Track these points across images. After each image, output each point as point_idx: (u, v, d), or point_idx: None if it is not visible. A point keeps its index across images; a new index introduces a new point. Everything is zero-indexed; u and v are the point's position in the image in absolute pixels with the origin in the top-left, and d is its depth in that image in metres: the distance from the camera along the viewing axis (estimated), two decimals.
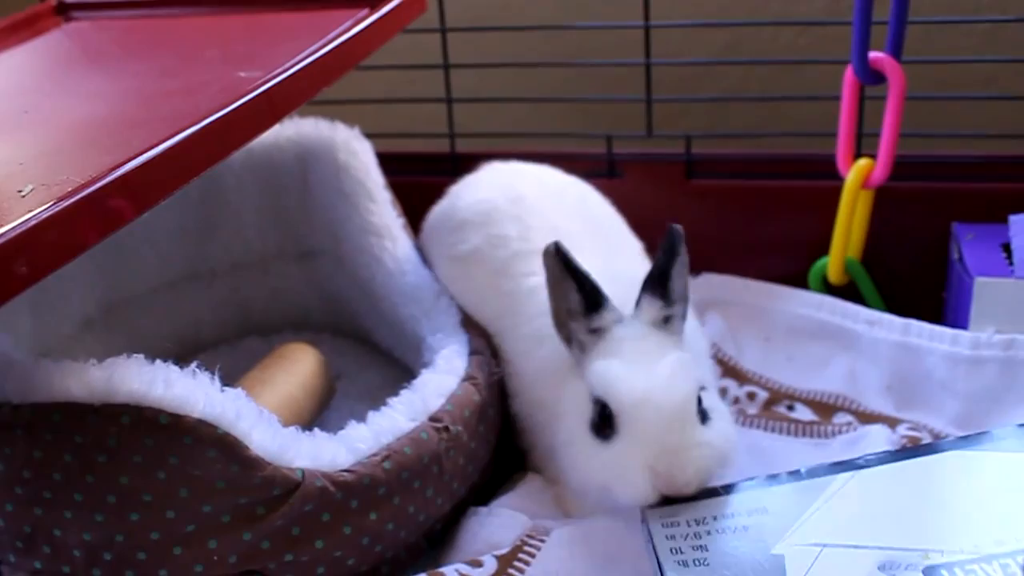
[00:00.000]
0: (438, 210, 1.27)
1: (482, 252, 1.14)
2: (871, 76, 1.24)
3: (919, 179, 1.34)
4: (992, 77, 1.48)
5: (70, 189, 0.69)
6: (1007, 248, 1.21)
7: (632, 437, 0.91)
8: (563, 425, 0.98)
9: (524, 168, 1.26)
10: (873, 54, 1.23)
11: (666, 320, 0.97)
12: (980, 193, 1.32)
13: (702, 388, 0.94)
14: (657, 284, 0.96)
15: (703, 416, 0.93)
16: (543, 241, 1.01)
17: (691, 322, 1.03)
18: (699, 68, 1.57)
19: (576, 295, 0.96)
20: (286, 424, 0.93)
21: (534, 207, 1.15)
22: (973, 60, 1.46)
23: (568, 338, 0.98)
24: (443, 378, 1.02)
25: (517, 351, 1.09)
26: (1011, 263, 1.18)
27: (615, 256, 1.11)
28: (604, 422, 0.92)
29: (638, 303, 0.97)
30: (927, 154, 1.36)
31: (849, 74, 1.25)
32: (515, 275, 1.10)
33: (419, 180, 1.45)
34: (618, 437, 0.91)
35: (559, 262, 0.95)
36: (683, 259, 0.97)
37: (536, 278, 1.05)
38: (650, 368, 0.92)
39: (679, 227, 0.96)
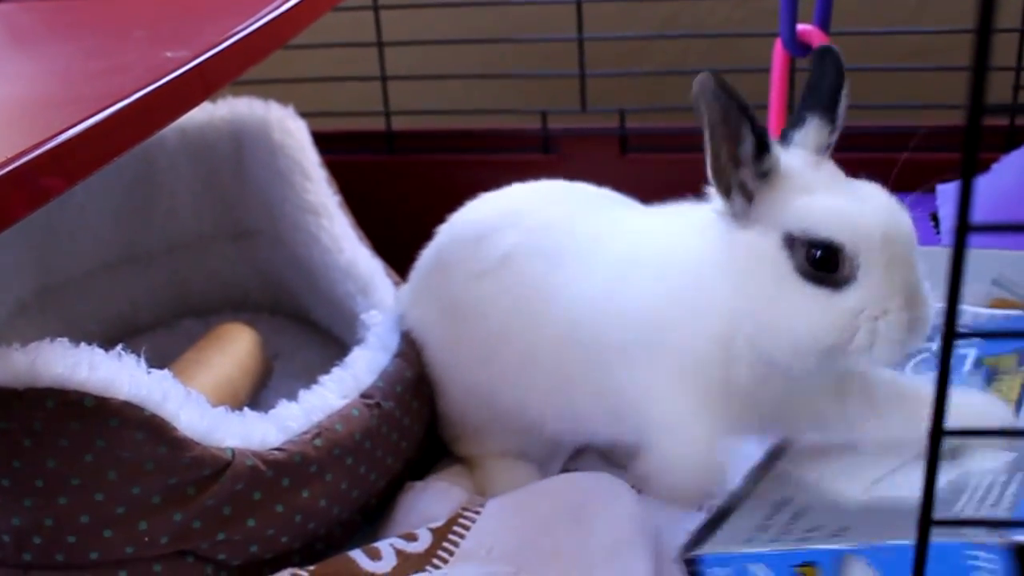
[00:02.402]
0: (435, 247, 1.09)
1: (521, 251, 0.99)
2: (800, 48, 1.25)
3: (848, 150, 1.33)
4: (920, 49, 1.49)
5: None
6: (935, 217, 1.23)
7: (881, 277, 0.80)
8: (741, 287, 0.85)
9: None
10: (801, 26, 1.23)
11: (828, 149, 0.87)
12: (909, 163, 1.33)
13: None
14: (828, 106, 0.86)
15: None
16: (591, 219, 0.97)
17: None
18: (635, 43, 1.57)
19: (750, 137, 0.81)
20: (222, 404, 0.93)
21: (561, 194, 1.05)
22: (901, 31, 1.48)
23: (727, 188, 0.84)
24: (375, 354, 1.03)
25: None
26: (939, 231, 1.20)
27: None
28: (827, 266, 0.80)
29: (801, 125, 0.87)
30: (856, 125, 1.36)
31: (779, 46, 1.26)
32: (582, 252, 0.97)
33: (355, 159, 1.46)
34: (859, 281, 0.80)
35: (725, 96, 0.80)
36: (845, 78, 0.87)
37: (620, 239, 0.96)
38: (871, 197, 0.82)
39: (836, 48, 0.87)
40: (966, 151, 0.43)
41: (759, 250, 0.83)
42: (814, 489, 0.85)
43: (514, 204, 1.05)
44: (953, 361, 0.94)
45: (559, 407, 1.00)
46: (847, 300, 0.80)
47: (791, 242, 0.81)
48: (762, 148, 0.82)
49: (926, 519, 0.50)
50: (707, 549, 0.80)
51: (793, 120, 0.87)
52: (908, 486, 0.79)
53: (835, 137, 0.87)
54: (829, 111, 0.86)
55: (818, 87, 0.87)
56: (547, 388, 0.99)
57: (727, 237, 0.86)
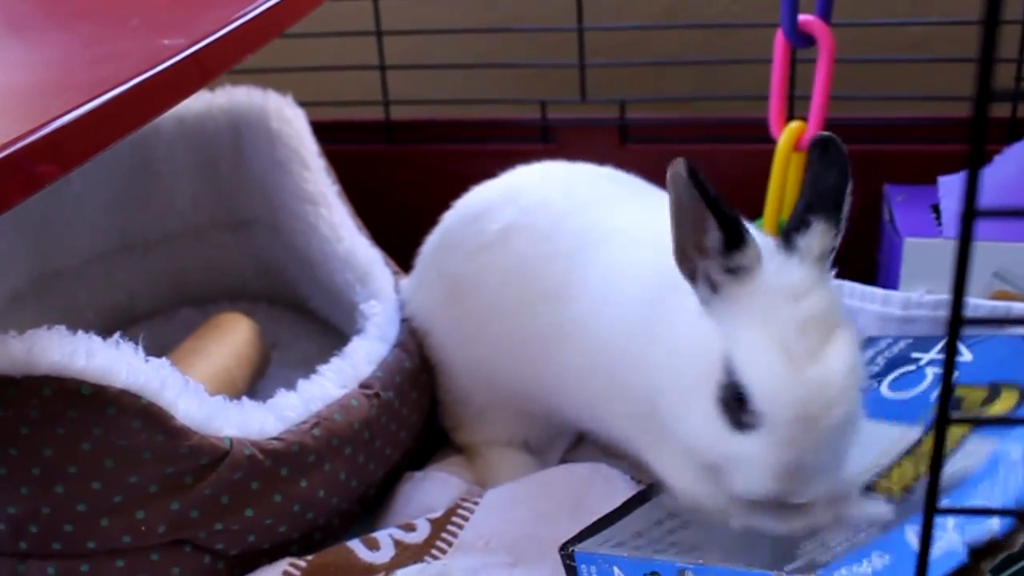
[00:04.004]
0: (438, 230, 1.09)
1: (519, 225, 0.99)
2: (801, 39, 1.24)
3: (850, 141, 1.31)
4: (922, 40, 1.49)
5: None
6: (936, 209, 1.23)
7: (776, 440, 0.75)
8: (672, 375, 0.82)
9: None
10: (803, 17, 1.23)
11: (829, 253, 0.79)
12: (911, 155, 1.33)
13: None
14: (830, 206, 0.78)
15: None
16: (595, 198, 0.96)
17: None
18: (634, 33, 1.57)
19: (715, 231, 0.76)
20: (220, 393, 0.93)
21: (568, 172, 1.05)
22: (903, 23, 1.47)
23: (693, 274, 0.79)
24: (374, 344, 1.02)
25: (584, 309, 0.92)
26: (940, 224, 1.20)
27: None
28: (739, 409, 0.76)
29: (806, 229, 0.78)
30: (858, 117, 1.37)
31: (780, 37, 1.26)
32: (577, 232, 0.96)
33: (354, 148, 1.45)
34: (757, 435, 0.76)
35: (692, 185, 0.74)
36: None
37: (613, 222, 0.94)
38: (815, 364, 0.75)
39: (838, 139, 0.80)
40: (973, 137, 0.43)
41: (704, 347, 0.78)
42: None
43: (515, 181, 1.05)
44: (916, 377, 0.96)
45: (547, 387, 0.99)
46: (739, 445, 0.77)
47: (726, 362, 0.77)
48: (734, 244, 0.76)
49: (931, 506, 0.50)
50: (582, 546, 0.83)
51: (796, 221, 0.79)
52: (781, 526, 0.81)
53: (837, 241, 0.80)
54: (835, 212, 0.79)
55: (822, 185, 0.79)
56: (537, 366, 0.98)
57: (691, 312, 0.81)
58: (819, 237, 0.78)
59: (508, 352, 1.01)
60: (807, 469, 0.75)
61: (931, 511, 0.50)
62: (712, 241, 0.76)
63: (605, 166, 1.12)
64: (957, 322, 0.45)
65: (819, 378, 0.74)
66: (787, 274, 0.77)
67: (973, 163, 0.43)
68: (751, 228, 0.78)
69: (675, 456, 0.86)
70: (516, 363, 1.01)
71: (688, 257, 0.78)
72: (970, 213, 0.44)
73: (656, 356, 0.84)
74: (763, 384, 0.75)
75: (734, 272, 0.77)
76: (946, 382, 0.47)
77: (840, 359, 0.75)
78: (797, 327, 0.75)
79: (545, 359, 0.97)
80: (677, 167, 0.74)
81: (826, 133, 0.81)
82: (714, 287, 0.78)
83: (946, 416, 0.47)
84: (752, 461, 0.76)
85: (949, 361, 0.46)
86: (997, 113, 1.32)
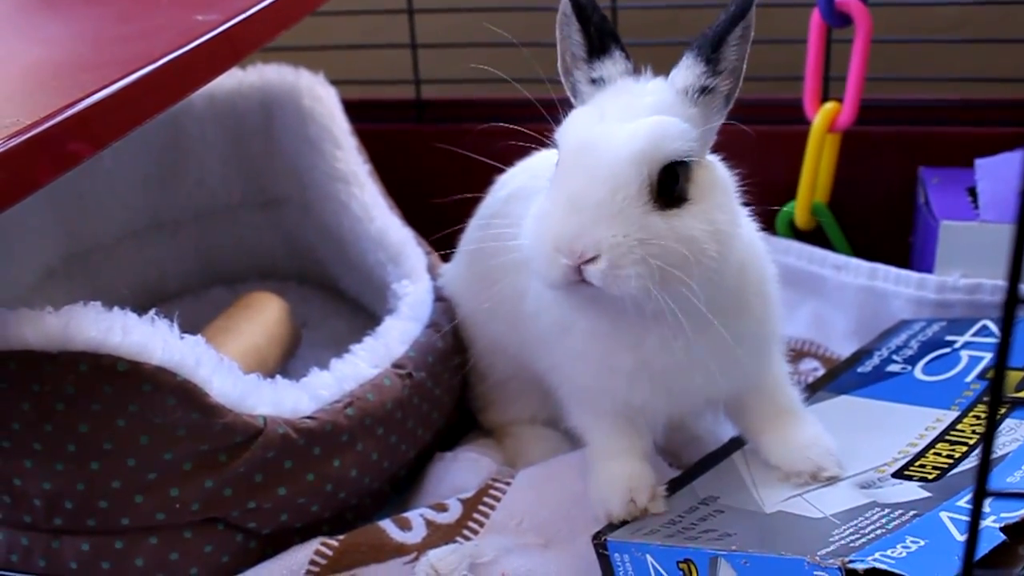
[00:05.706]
0: None
1: (521, 189, 1.00)
2: (838, 18, 1.23)
3: (886, 123, 1.33)
4: (960, 20, 1.47)
5: (17, 129, 0.67)
6: (973, 192, 1.22)
7: (556, 186, 0.78)
8: None
9: None
10: None
11: (703, 91, 0.81)
12: (947, 137, 1.31)
13: (681, 163, 0.78)
14: (707, 47, 0.81)
15: (668, 197, 0.77)
16: None
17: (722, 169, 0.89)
18: (667, 12, 1.55)
19: (579, 37, 0.82)
20: (250, 372, 0.93)
21: None
22: (941, 3, 1.45)
23: (573, 90, 0.85)
24: (407, 324, 1.02)
25: None
26: (976, 207, 1.19)
27: None
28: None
29: (677, 62, 0.83)
30: (894, 98, 1.35)
31: (816, 17, 1.25)
32: None
33: (385, 127, 1.44)
34: (550, 184, 0.80)
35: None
36: (748, 26, 0.82)
37: None
38: (615, 119, 0.79)
39: None
40: None
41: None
42: (738, 493, 0.87)
43: (541, 154, 1.03)
44: (951, 360, 0.97)
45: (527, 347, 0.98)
46: (541, 200, 0.80)
47: None
48: (596, 53, 0.82)
49: (980, 489, 0.49)
50: (615, 535, 0.85)
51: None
52: (813, 507, 0.82)
53: (717, 83, 0.82)
54: (711, 53, 0.81)
55: (712, 27, 0.83)
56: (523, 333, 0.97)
57: None
58: (684, 71, 0.82)
59: (498, 315, 1.00)
60: (581, 208, 0.76)
61: (981, 494, 0.49)
62: (577, 48, 0.83)
63: None
64: (1013, 301, 0.44)
65: (602, 135, 0.78)
66: (644, 84, 0.83)
67: None
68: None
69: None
70: (508, 327, 1.00)
71: (567, 70, 0.85)
72: None
73: None
74: (563, 126, 0.81)
75: (596, 83, 0.83)
76: (1000, 364, 0.46)
77: (643, 120, 0.78)
78: (616, 107, 0.80)
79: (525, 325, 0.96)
80: None
81: None
82: (584, 101, 0.84)
83: (999, 398, 0.47)
84: (545, 202, 0.78)
85: (1004, 343, 0.45)
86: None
